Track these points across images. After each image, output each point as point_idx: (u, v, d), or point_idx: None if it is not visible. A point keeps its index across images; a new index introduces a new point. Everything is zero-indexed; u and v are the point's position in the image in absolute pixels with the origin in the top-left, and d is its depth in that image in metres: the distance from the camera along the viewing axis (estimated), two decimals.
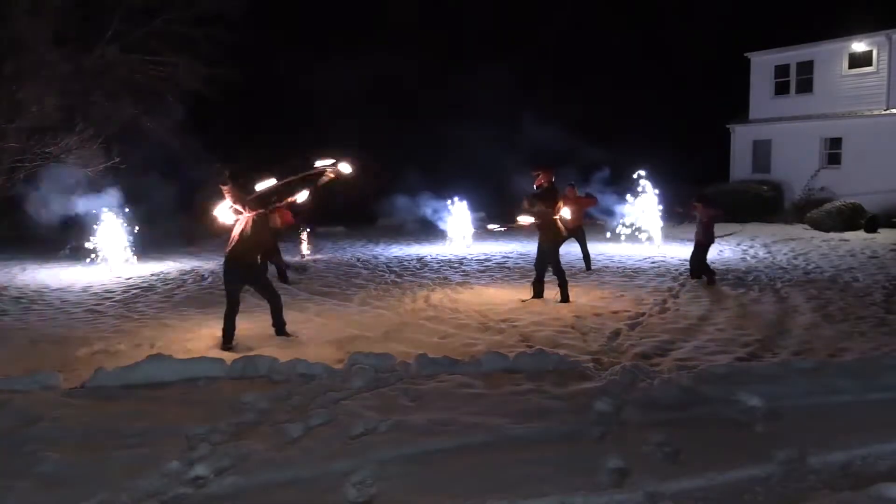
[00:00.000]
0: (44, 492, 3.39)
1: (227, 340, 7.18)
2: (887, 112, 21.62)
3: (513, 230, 11.45)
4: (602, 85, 31.25)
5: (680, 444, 3.85)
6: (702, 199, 11.39)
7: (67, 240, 14.92)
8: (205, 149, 20.08)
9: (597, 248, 15.14)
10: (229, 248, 7.09)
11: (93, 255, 13.35)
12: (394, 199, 23.65)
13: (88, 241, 13.43)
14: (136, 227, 14.00)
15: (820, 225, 19.30)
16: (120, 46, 18.58)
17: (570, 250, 13.36)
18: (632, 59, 33.36)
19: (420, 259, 14.86)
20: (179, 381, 5.15)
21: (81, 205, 13.78)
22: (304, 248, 15.41)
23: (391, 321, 8.39)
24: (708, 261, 11.25)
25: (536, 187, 9.66)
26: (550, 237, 9.50)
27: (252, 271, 7.38)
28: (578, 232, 12.55)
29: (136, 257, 13.87)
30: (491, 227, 12.08)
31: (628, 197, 16.18)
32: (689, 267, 11.43)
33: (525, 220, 9.75)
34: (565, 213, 9.86)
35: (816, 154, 23.31)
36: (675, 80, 31.83)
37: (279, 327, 7.56)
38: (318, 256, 15.45)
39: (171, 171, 19.89)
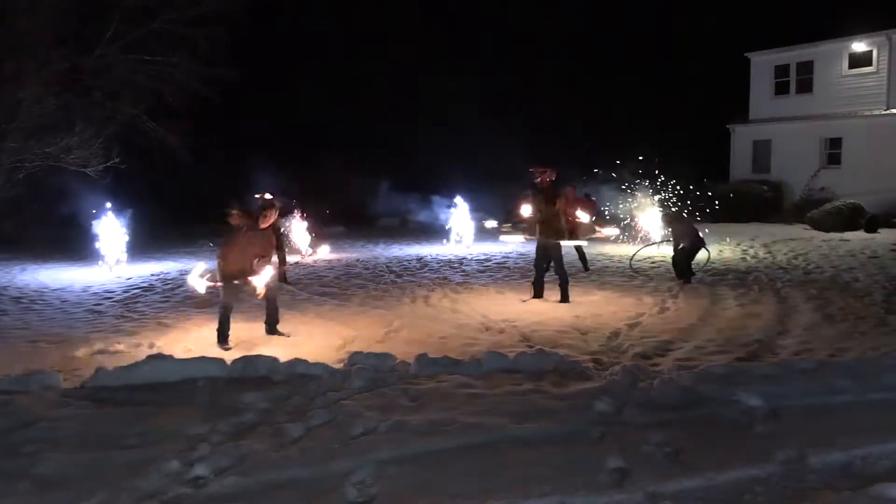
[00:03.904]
0: (43, 492, 3.39)
1: (224, 340, 7.18)
2: (887, 112, 21.62)
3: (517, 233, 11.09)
4: (602, 85, 31.29)
5: (680, 444, 3.85)
6: (670, 220, 12.33)
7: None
8: (204, 147, 20.12)
9: (596, 249, 15.14)
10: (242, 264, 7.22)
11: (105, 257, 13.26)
12: (393, 198, 23.68)
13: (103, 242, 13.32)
14: (133, 228, 13.97)
15: (820, 225, 19.30)
16: (120, 46, 18.58)
17: (568, 250, 13.35)
18: (631, 59, 33.37)
19: (420, 259, 14.86)
20: (179, 381, 5.14)
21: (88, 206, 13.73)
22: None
23: (391, 321, 8.39)
24: (708, 261, 11.45)
25: (534, 184, 9.60)
26: (553, 236, 9.48)
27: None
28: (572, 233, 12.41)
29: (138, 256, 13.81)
30: (504, 234, 11.37)
31: (629, 198, 16.22)
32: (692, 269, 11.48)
33: (513, 238, 9.74)
34: (583, 217, 9.95)
35: (816, 154, 23.31)
36: (675, 80, 31.83)
37: (271, 326, 7.58)
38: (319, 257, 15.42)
39: (171, 170, 19.94)
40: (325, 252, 12.62)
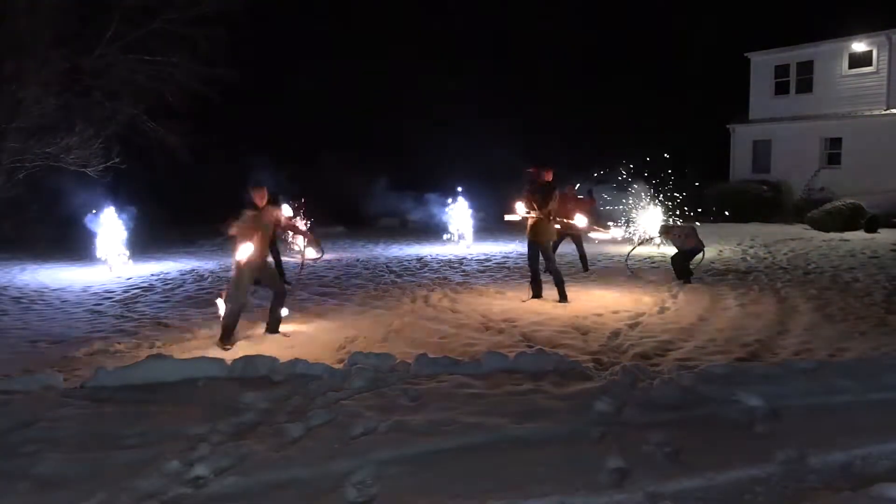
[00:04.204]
0: (43, 492, 3.39)
1: (227, 339, 7.20)
2: (887, 112, 21.63)
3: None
4: (602, 85, 31.29)
5: (680, 444, 3.85)
6: (667, 231, 12.18)
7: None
8: (204, 148, 20.12)
9: (596, 248, 15.14)
10: (250, 252, 7.34)
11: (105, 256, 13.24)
12: (392, 198, 23.68)
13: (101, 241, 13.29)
14: (134, 227, 13.96)
15: (820, 225, 19.30)
16: (120, 46, 18.58)
17: (567, 250, 13.35)
18: (631, 59, 33.37)
19: (420, 259, 14.86)
20: (179, 381, 5.14)
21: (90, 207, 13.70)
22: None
23: (391, 321, 8.39)
24: (701, 261, 11.58)
25: (532, 183, 9.59)
26: (545, 236, 9.48)
27: (265, 269, 7.76)
28: (576, 234, 12.42)
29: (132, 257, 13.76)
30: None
31: (628, 198, 16.24)
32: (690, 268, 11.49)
33: (519, 213, 9.69)
34: (580, 220, 9.95)
35: (816, 154, 23.32)
36: (675, 80, 31.83)
37: (274, 324, 7.62)
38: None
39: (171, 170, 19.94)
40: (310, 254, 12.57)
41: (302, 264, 11.40)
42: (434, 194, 20.53)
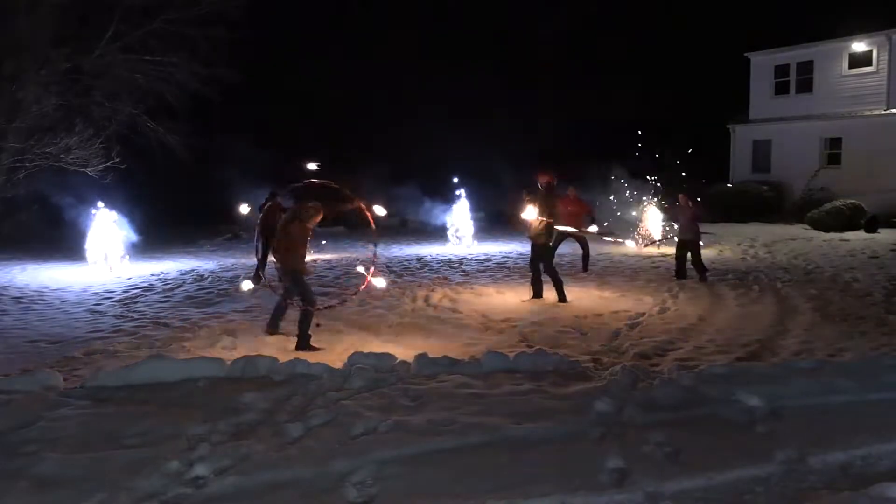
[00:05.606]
0: (43, 492, 3.39)
1: (309, 344, 7.14)
2: (887, 112, 21.61)
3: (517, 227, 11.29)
4: (601, 85, 31.30)
5: (680, 444, 3.85)
6: (688, 195, 11.77)
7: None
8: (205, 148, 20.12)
9: (597, 249, 15.13)
10: (298, 255, 7.26)
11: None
12: (394, 198, 23.67)
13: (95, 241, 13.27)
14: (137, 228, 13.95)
15: (820, 225, 19.29)
16: (120, 46, 18.57)
17: (572, 250, 13.36)
18: (631, 59, 33.38)
19: (420, 259, 14.86)
20: (179, 381, 5.14)
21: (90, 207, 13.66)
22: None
23: (391, 321, 8.39)
24: (708, 260, 11.50)
25: (537, 186, 9.61)
26: (541, 239, 9.48)
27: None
28: (581, 235, 12.37)
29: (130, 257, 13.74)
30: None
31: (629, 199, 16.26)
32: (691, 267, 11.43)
33: (529, 215, 9.69)
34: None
35: (816, 154, 23.29)
36: (675, 80, 31.84)
37: (274, 322, 7.59)
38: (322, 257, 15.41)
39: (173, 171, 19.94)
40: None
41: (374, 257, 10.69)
42: (434, 195, 20.49)
